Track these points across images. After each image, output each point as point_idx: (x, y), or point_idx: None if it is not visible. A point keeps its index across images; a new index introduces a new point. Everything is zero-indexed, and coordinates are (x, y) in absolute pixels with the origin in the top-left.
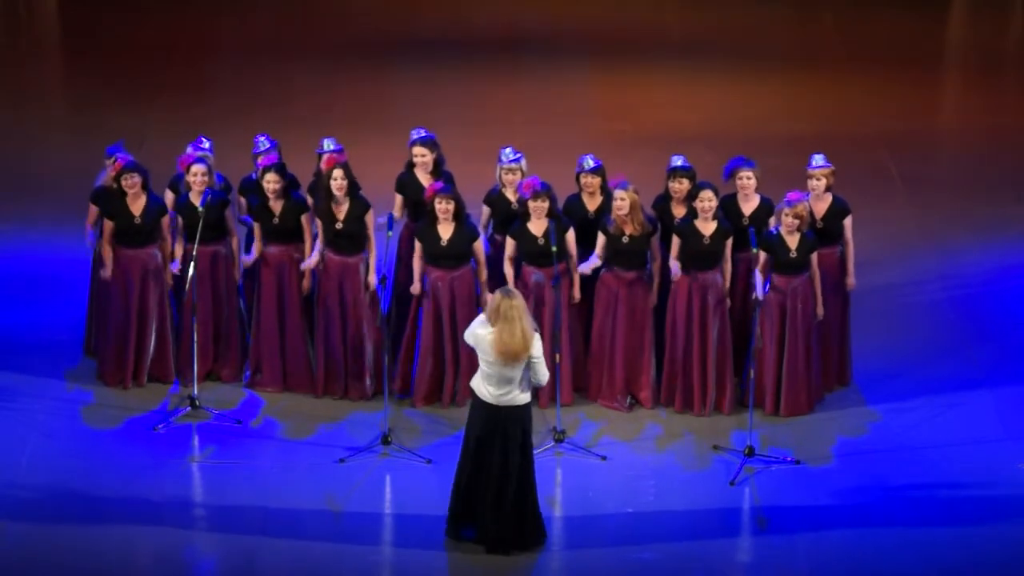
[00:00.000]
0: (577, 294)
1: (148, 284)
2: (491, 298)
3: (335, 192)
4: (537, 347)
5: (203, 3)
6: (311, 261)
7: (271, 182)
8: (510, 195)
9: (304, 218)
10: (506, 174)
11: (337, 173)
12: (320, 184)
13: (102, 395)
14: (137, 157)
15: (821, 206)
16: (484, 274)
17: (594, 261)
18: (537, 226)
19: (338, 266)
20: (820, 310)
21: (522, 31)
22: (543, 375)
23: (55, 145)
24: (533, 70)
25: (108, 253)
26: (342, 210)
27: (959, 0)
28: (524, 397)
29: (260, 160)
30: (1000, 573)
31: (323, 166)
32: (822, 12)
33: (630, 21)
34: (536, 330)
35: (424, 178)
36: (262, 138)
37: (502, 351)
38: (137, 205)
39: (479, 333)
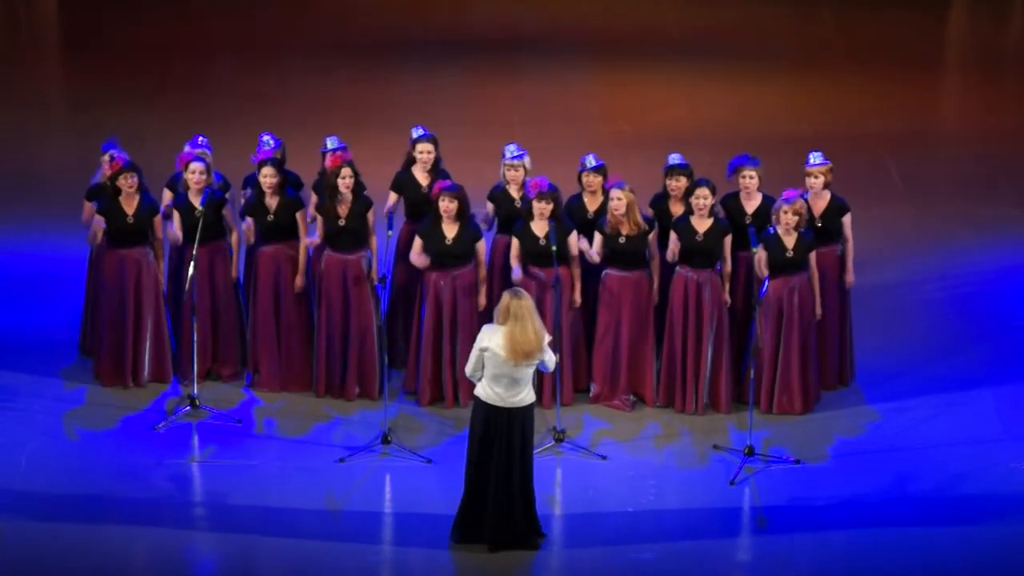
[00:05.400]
0: (578, 298)
1: (142, 284)
2: (501, 299)
3: (342, 189)
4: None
5: (203, 3)
6: (313, 239)
7: (267, 176)
8: (513, 192)
9: (299, 215)
10: (509, 170)
11: (346, 172)
12: (325, 181)
13: (101, 395)
14: (137, 157)
15: (820, 204)
16: (483, 273)
17: (594, 254)
18: (540, 226)
19: (339, 263)
20: (819, 310)
21: (522, 31)
22: (550, 362)
23: (55, 145)
24: (533, 70)
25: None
26: (345, 207)
27: (959, 0)
28: (530, 397)
29: (255, 157)
30: (1000, 573)
31: (329, 164)
32: (822, 11)
33: (630, 21)
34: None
35: (422, 177)
36: (267, 137)
37: (515, 350)
38: (131, 205)
39: (488, 335)
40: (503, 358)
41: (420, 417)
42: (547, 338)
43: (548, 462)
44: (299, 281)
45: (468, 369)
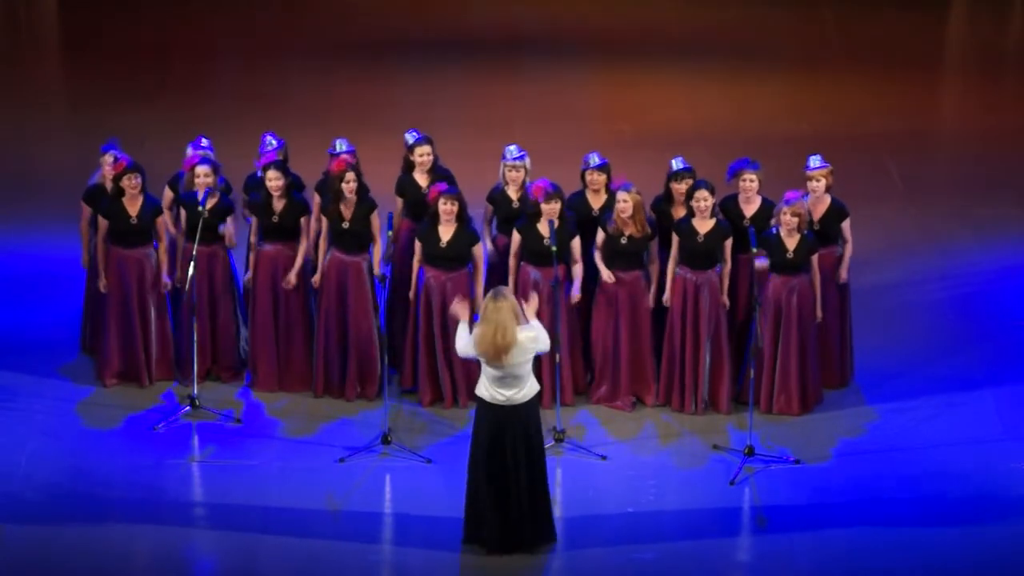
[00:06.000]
0: (577, 294)
1: (145, 284)
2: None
3: (346, 194)
4: (532, 339)
5: (203, 3)
6: (315, 278)
7: (273, 179)
8: (512, 193)
9: (303, 220)
10: (510, 171)
11: (350, 176)
12: (330, 184)
13: (101, 394)
14: (137, 157)
15: (820, 208)
16: (480, 278)
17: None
18: (545, 226)
19: (342, 264)
20: (819, 312)
21: (522, 31)
22: (542, 344)
23: (55, 145)
24: (533, 70)
25: (102, 257)
26: (349, 210)
27: (959, 0)
28: (534, 388)
29: (260, 159)
30: (1000, 573)
31: (334, 168)
32: (822, 11)
33: (630, 21)
34: (522, 328)
35: (422, 179)
36: (269, 136)
37: (483, 351)
38: (134, 205)
39: (468, 340)
40: (485, 360)
41: (420, 417)
42: (530, 334)
43: (548, 462)
44: (292, 279)
45: (459, 348)
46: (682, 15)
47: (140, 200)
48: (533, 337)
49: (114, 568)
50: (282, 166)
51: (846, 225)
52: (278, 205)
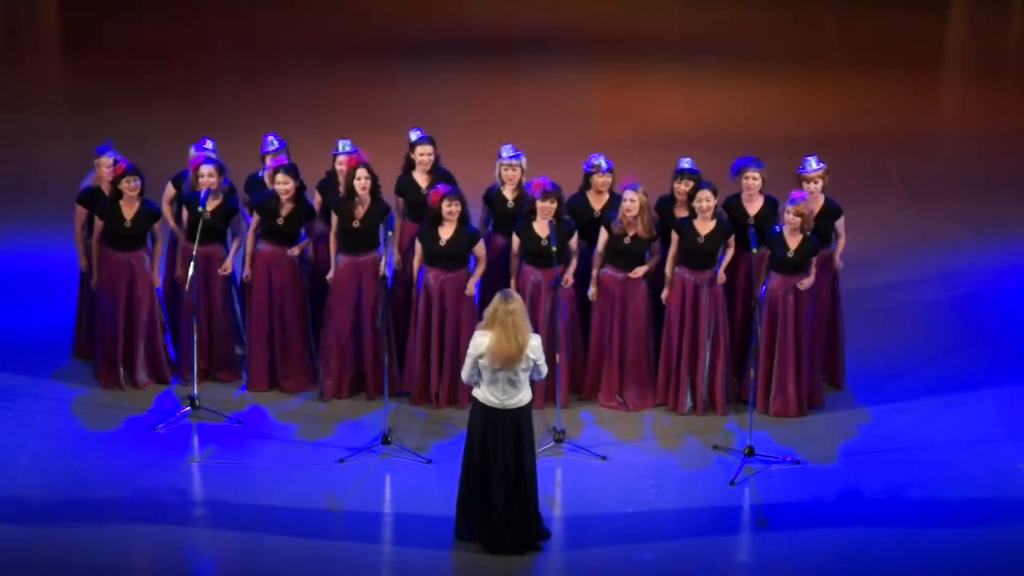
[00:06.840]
0: (570, 278)
1: (134, 286)
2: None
3: (359, 191)
4: (535, 348)
5: (203, 3)
6: (330, 275)
7: (281, 183)
8: (508, 193)
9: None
10: (505, 170)
11: (361, 172)
12: (343, 183)
13: (101, 396)
14: (136, 157)
15: (814, 207)
16: (479, 271)
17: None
18: (541, 226)
19: (352, 266)
20: (811, 278)
21: (522, 32)
22: (543, 370)
23: (55, 145)
24: (532, 70)
25: (96, 257)
26: (361, 209)
27: (959, 0)
28: (528, 396)
29: (269, 161)
30: (1000, 573)
31: (343, 166)
32: (822, 12)
33: (629, 21)
34: (531, 331)
35: (422, 179)
36: (271, 137)
37: (497, 355)
38: (130, 209)
39: (479, 341)
40: (488, 363)
41: (420, 417)
42: (535, 343)
43: (548, 462)
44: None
45: (464, 375)
46: (681, 15)
47: (137, 204)
48: (535, 347)
49: (114, 568)
50: (291, 170)
51: (840, 223)
52: (286, 208)
